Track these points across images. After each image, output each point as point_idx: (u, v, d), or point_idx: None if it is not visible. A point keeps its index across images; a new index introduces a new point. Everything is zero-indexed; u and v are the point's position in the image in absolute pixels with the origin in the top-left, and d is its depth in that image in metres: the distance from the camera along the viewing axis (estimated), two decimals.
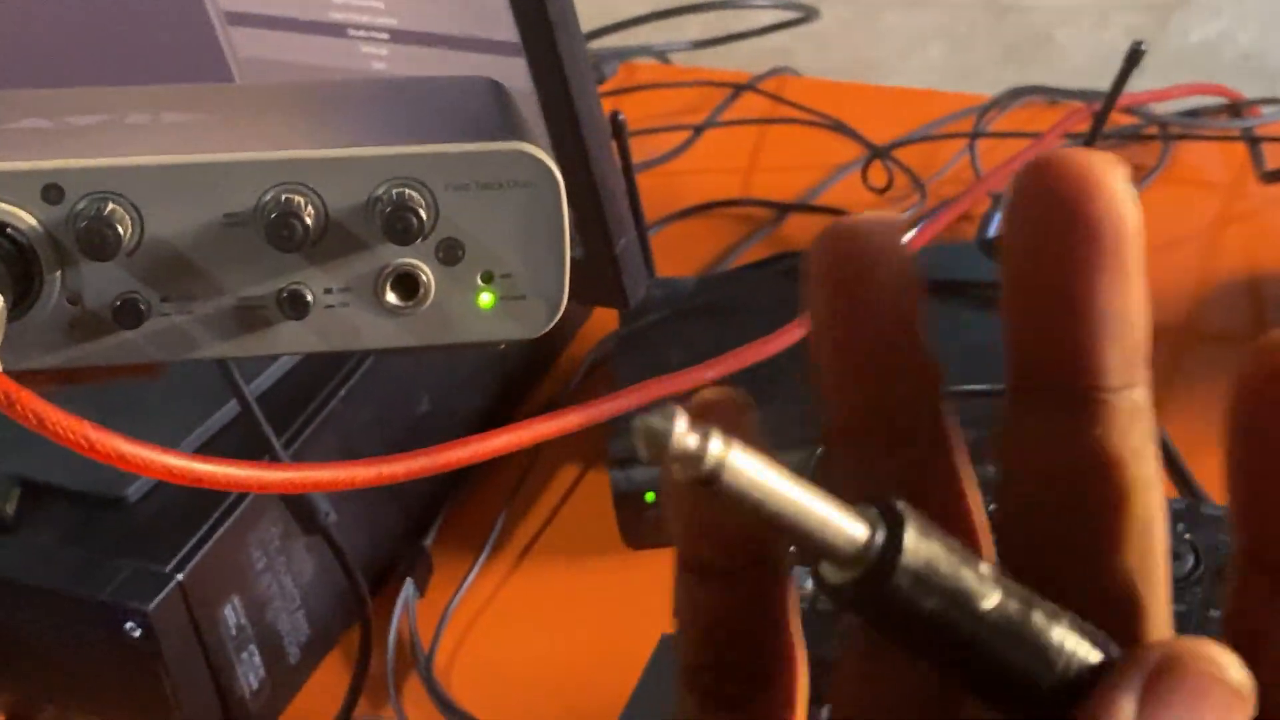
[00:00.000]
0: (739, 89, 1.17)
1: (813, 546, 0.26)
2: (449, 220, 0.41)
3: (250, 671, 0.82)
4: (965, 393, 0.81)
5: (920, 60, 2.55)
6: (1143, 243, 0.29)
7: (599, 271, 0.77)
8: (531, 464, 0.92)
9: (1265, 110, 1.07)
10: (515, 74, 0.73)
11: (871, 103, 1.17)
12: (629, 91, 1.21)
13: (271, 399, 0.84)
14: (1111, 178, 0.28)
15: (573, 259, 0.78)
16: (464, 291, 0.42)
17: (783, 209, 1.08)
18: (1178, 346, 0.95)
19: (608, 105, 1.17)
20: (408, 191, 0.41)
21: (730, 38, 1.25)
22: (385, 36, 0.74)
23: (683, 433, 0.24)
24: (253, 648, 0.82)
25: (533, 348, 1.00)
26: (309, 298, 0.41)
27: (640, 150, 1.12)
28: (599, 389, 0.96)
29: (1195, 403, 0.90)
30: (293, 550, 0.83)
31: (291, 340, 0.42)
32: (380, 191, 0.41)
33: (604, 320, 0.99)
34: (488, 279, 0.42)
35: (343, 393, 0.86)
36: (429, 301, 0.42)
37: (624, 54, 1.24)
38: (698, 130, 1.14)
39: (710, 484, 0.25)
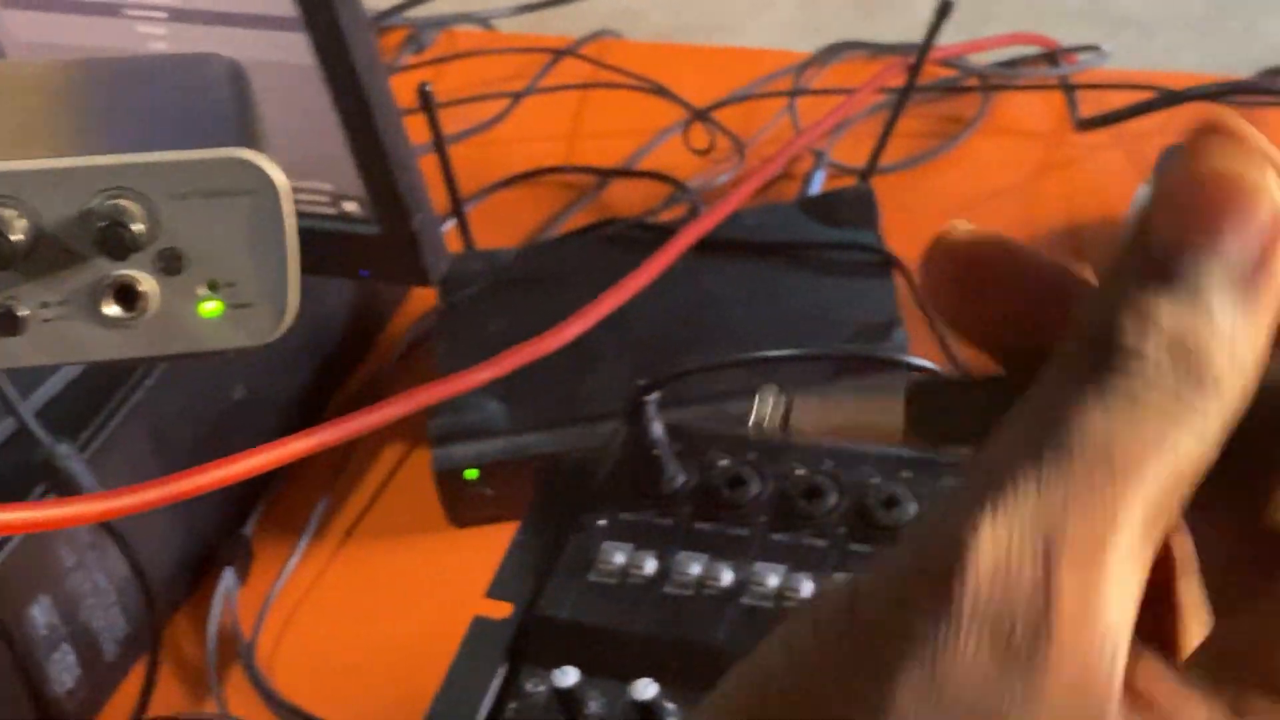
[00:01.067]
0: (559, 54, 1.16)
1: None
2: (169, 230, 0.40)
3: (64, 671, 0.80)
4: (783, 358, 0.81)
5: (771, 17, 2.55)
6: None
7: (397, 249, 0.76)
8: (352, 448, 0.91)
9: (1082, 57, 1.08)
10: (299, 50, 0.71)
11: (694, 64, 1.16)
12: (449, 60, 1.19)
13: (76, 388, 0.83)
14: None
15: (370, 236, 0.77)
16: (187, 301, 0.40)
17: (605, 175, 1.07)
18: None
19: (428, 75, 1.16)
20: (123, 203, 0.39)
21: (554, 1, 1.24)
22: (163, 15, 0.72)
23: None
24: (66, 647, 0.80)
25: (351, 328, 0.99)
26: (23, 313, 0.40)
27: (461, 120, 1.11)
28: (420, 366, 0.95)
29: None
30: (106, 546, 0.82)
31: (9, 355, 0.40)
32: (95, 203, 0.39)
33: (425, 297, 0.98)
34: (212, 287, 0.41)
35: (150, 381, 0.84)
36: (151, 312, 0.40)
37: (444, 21, 1.22)
38: (516, 97, 1.13)
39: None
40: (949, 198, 1.03)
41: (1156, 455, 0.26)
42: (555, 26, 1.26)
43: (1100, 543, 0.26)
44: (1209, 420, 0.27)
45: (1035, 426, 0.27)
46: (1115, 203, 0.98)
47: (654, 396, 0.71)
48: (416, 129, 0.82)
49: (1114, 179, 1.01)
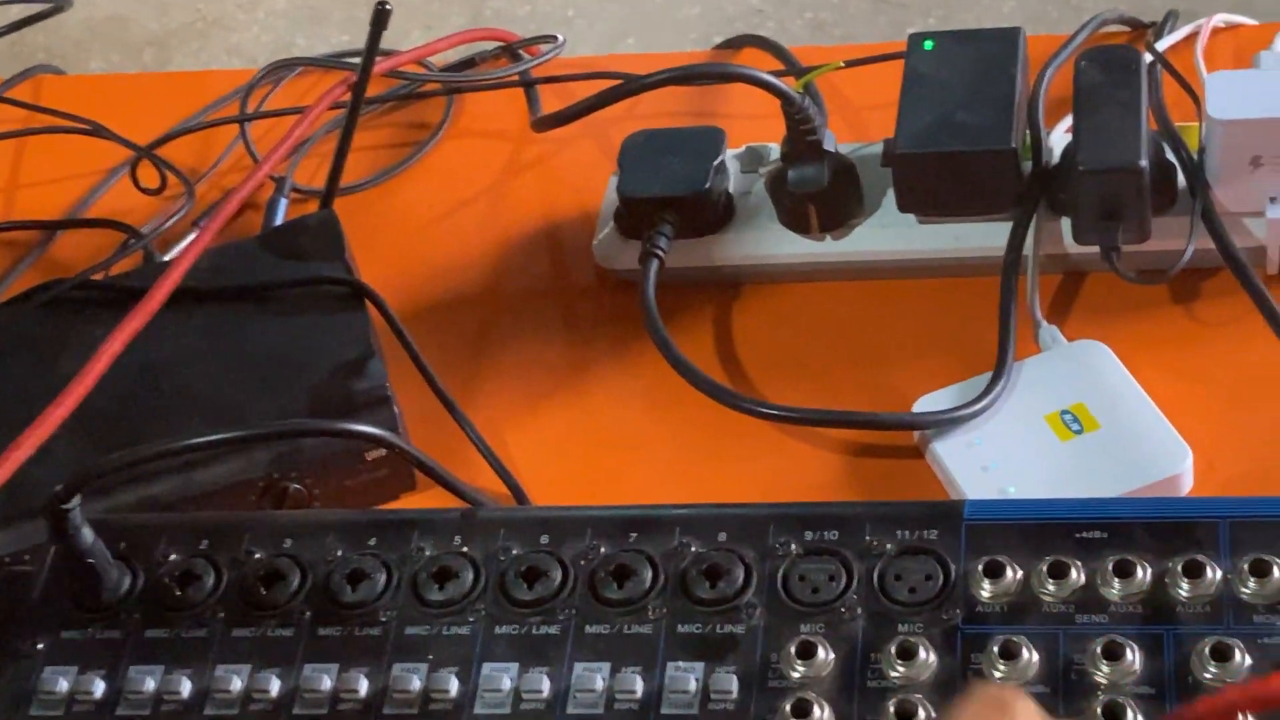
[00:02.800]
0: None
1: None
2: None
3: None
4: (208, 444, 0.73)
5: (267, 7, 2.45)
6: None
7: None
8: None
9: (544, 49, 1.04)
10: None
11: (139, 94, 1.08)
12: None
13: None
14: None
15: None
16: None
17: (50, 228, 0.98)
18: (487, 310, 0.92)
19: None
20: None
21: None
22: None
23: None
24: None
25: None
26: None
27: None
28: None
29: (512, 365, 0.87)
30: None
31: None
32: None
33: None
34: None
35: None
36: None
37: None
38: None
39: None
40: (420, 210, 0.98)
41: None
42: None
43: None
44: None
45: None
46: (588, 195, 0.95)
47: (75, 501, 0.64)
48: None
49: (586, 171, 0.98)
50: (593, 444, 0.84)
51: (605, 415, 0.85)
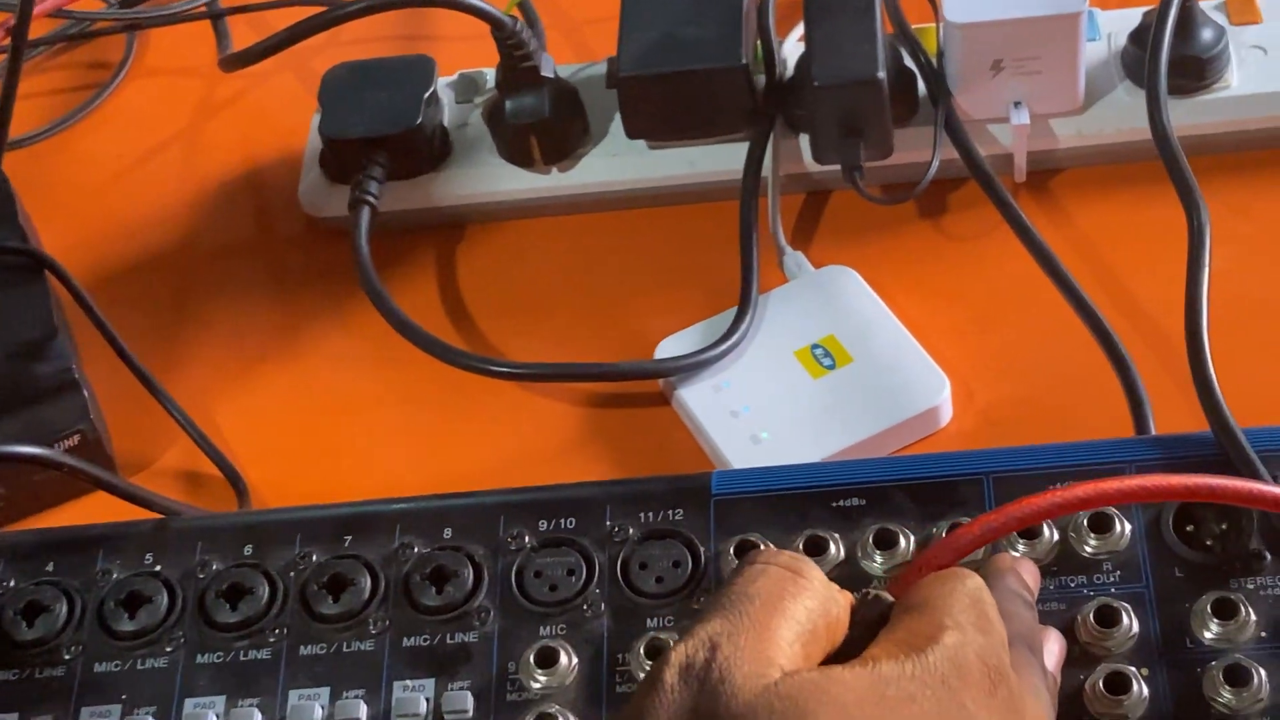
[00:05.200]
0: None
1: None
2: None
3: None
4: None
5: None
6: None
7: None
8: None
9: None
10: None
11: None
12: None
13: None
14: None
15: None
16: None
17: None
18: (186, 270, 0.83)
19: None
20: None
21: None
22: None
23: None
24: None
25: None
26: None
27: None
28: None
29: (218, 332, 0.79)
30: None
31: None
32: None
33: None
34: None
35: None
36: None
37: None
38: None
39: None
40: (103, 162, 0.89)
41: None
42: None
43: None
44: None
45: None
46: (291, 133, 0.87)
47: None
48: None
49: (288, 107, 0.89)
50: (313, 412, 0.77)
51: (325, 380, 0.78)
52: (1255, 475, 0.55)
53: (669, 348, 0.75)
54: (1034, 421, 0.71)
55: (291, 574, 0.58)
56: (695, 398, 0.73)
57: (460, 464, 0.73)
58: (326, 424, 0.76)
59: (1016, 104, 0.77)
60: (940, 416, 0.72)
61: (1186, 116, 0.76)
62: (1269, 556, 0.54)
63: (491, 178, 0.81)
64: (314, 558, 0.58)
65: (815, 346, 0.74)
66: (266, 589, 0.57)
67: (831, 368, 0.73)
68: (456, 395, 0.76)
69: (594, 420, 0.74)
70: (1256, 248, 0.75)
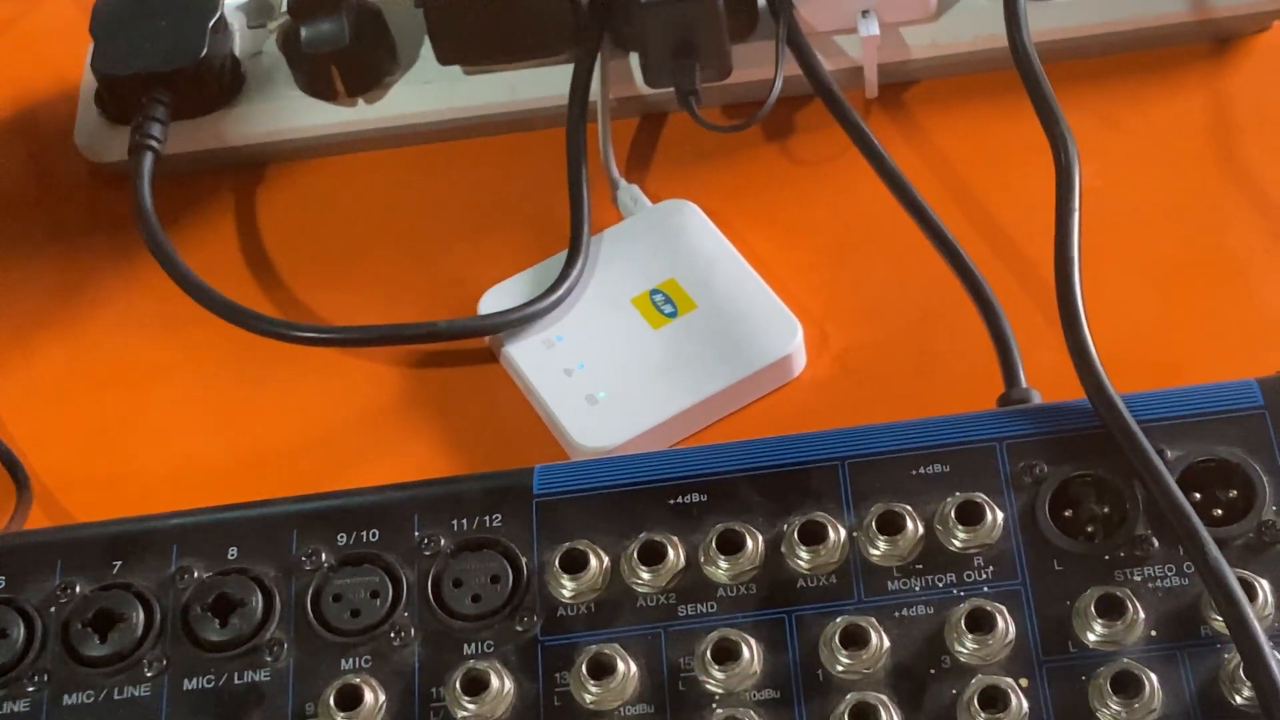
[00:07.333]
0: None
1: None
2: None
3: None
4: None
5: None
6: None
7: None
8: None
9: None
10: None
11: None
12: None
13: None
14: None
15: None
16: None
17: None
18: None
19: None
20: None
21: None
22: None
23: None
24: None
25: None
26: None
27: None
28: None
29: None
30: None
31: None
32: None
33: None
34: None
35: None
36: None
37: None
38: None
39: None
40: None
41: None
42: None
43: None
44: None
45: None
46: (70, 69, 0.78)
47: None
48: None
49: (65, 38, 0.81)
50: (98, 384, 0.69)
51: (111, 346, 0.71)
52: (1138, 448, 0.49)
53: (493, 300, 0.68)
54: (894, 367, 0.65)
55: (51, 609, 0.50)
56: (524, 355, 0.66)
57: (265, 438, 0.66)
58: (114, 397, 0.69)
59: (865, 13, 0.70)
60: (793, 366, 0.65)
61: (1049, 20, 0.70)
62: (1157, 542, 0.49)
63: (290, 112, 0.73)
64: (77, 589, 0.50)
65: (655, 292, 0.67)
66: (21, 629, 0.49)
67: (673, 316, 0.66)
68: (262, 361, 0.68)
69: (414, 381, 0.67)
70: (1128, 160, 0.69)
